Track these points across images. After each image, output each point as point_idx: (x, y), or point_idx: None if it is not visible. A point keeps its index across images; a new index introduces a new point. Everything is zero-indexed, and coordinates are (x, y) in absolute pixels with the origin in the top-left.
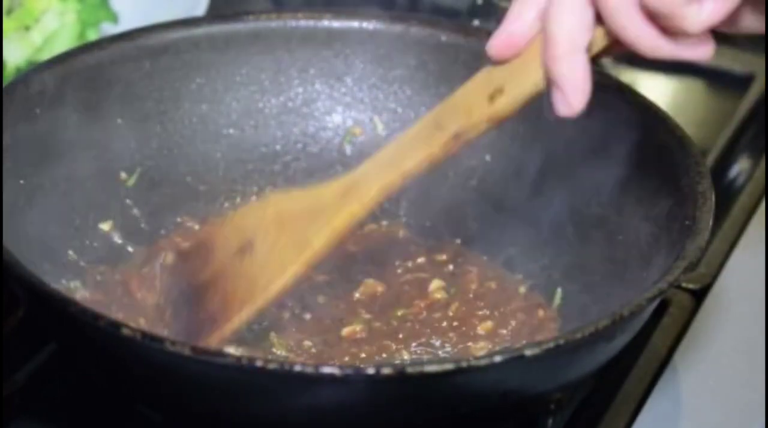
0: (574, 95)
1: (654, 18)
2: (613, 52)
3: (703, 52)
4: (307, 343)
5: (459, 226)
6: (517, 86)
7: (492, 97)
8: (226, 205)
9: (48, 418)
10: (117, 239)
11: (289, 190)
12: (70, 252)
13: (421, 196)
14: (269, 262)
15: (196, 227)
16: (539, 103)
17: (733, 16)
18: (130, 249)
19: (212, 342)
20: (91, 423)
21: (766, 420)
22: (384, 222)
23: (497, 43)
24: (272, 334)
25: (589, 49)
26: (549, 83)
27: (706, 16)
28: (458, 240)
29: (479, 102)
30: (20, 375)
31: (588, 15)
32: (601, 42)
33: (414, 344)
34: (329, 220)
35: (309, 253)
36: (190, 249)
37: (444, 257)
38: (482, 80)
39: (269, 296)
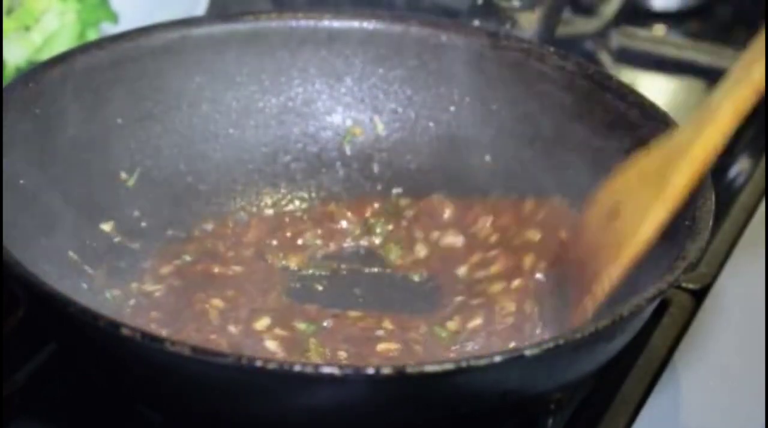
0: None
1: None
2: None
3: None
4: (342, 354)
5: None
6: None
7: None
8: (227, 204)
9: (48, 418)
10: (117, 239)
11: (647, 151)
12: (71, 252)
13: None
14: (635, 217)
15: (204, 226)
16: (540, 103)
17: None
18: (132, 247)
19: (582, 311)
20: (91, 423)
21: (766, 420)
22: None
23: None
24: (312, 340)
25: None
26: None
27: None
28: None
29: None
30: (20, 375)
31: None
32: None
33: None
34: (686, 156)
35: (671, 192)
36: (564, 242)
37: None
38: None
39: (636, 246)
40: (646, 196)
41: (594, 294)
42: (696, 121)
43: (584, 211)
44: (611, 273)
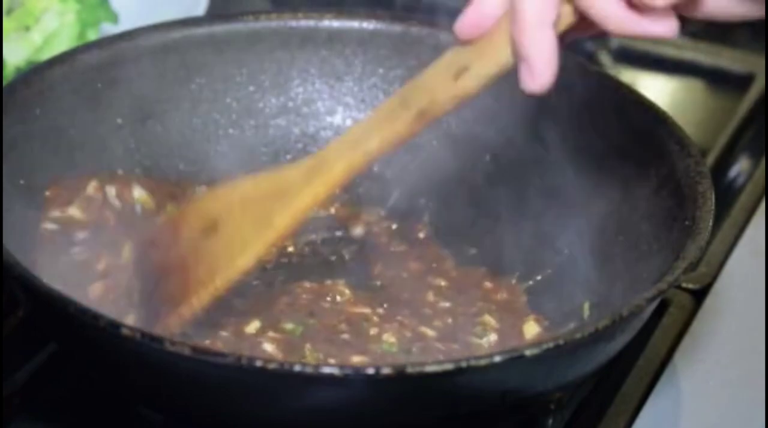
0: (541, 71)
1: None
2: (581, 29)
3: (668, 28)
4: (333, 361)
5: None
6: (484, 64)
7: (457, 76)
8: None
9: (48, 418)
10: None
11: (255, 176)
12: None
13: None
14: (232, 244)
15: None
16: (540, 103)
17: None
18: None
19: (170, 324)
20: (90, 423)
21: (766, 420)
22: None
23: (465, 24)
24: (307, 345)
25: (556, 24)
26: (517, 59)
27: None
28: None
29: (444, 81)
30: (20, 375)
31: None
32: (568, 18)
33: None
34: (292, 201)
35: (271, 234)
36: (155, 234)
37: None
38: (448, 60)
39: (230, 276)
40: (246, 225)
41: (181, 312)
42: (308, 168)
43: (174, 218)
44: (202, 297)
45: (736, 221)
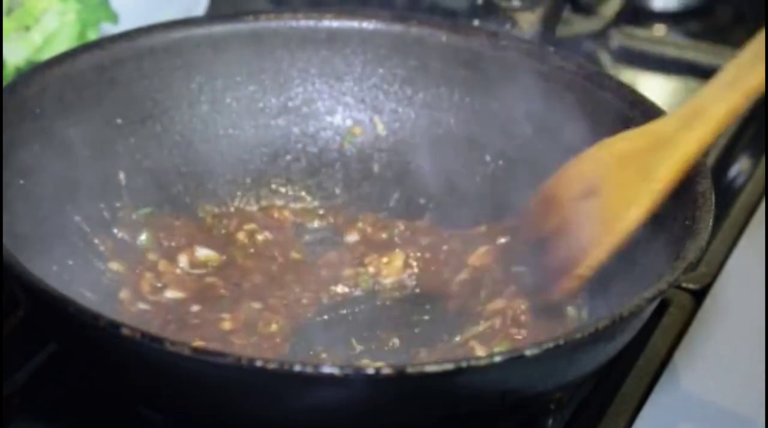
0: None
1: None
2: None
3: None
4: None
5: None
6: None
7: None
8: (227, 204)
9: (48, 418)
10: (117, 238)
11: (624, 134)
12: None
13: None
14: (616, 201)
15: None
16: (540, 103)
17: None
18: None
19: (568, 287)
20: (91, 423)
21: (766, 420)
22: None
23: None
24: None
25: None
26: None
27: None
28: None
29: None
30: (20, 375)
31: None
32: None
33: None
34: (674, 150)
35: (657, 185)
36: (532, 207)
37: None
38: None
39: (623, 231)
40: (628, 181)
41: (579, 273)
42: (684, 115)
43: (549, 186)
44: (597, 255)
45: (736, 221)
